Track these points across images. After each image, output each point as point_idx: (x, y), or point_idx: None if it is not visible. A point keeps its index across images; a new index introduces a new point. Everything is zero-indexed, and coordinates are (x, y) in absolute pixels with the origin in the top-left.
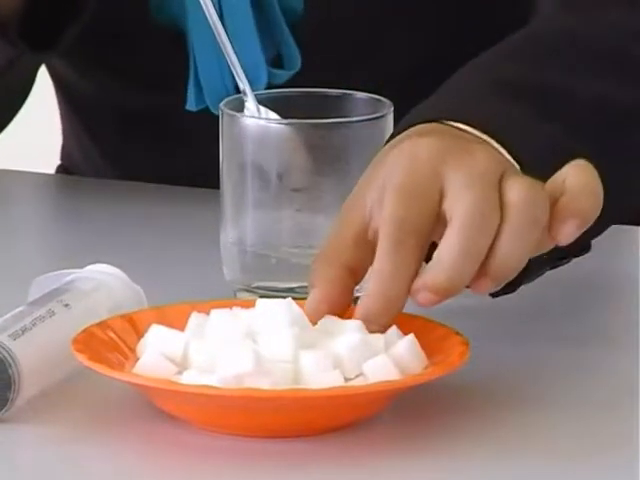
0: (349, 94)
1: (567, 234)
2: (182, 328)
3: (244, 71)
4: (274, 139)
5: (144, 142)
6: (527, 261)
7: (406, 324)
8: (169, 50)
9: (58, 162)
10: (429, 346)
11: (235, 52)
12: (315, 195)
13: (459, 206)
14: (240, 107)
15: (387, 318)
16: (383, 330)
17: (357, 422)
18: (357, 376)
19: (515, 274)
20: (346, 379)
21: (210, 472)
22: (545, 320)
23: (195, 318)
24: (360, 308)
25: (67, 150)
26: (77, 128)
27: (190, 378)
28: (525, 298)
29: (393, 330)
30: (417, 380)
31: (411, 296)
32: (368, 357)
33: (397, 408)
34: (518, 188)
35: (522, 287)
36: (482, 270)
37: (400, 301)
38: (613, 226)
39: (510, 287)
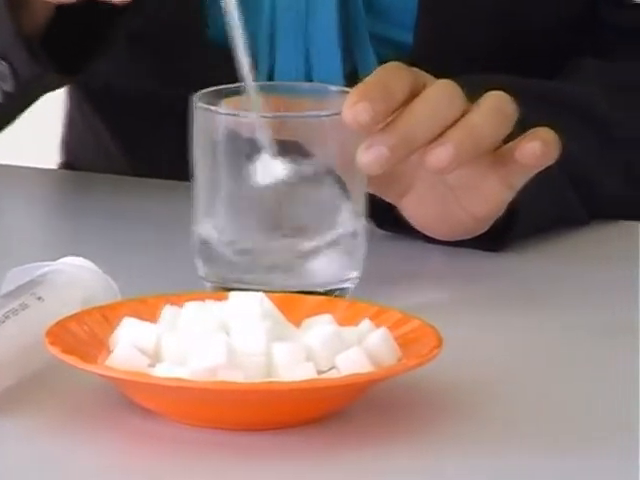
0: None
1: (530, 151)
2: (155, 321)
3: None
4: (248, 134)
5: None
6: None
7: (379, 317)
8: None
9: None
10: (402, 339)
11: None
12: (291, 188)
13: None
14: (214, 101)
15: (377, 105)
16: (369, 116)
17: (330, 415)
18: (330, 369)
19: (475, 151)
20: (319, 372)
21: (182, 464)
22: (529, 313)
23: (168, 311)
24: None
25: (74, 148)
26: (95, 125)
27: (163, 371)
28: (498, 291)
29: (366, 323)
30: (390, 372)
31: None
32: (341, 350)
33: (370, 401)
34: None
35: (502, 282)
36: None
37: (386, 104)
38: (613, 223)
39: (494, 242)
